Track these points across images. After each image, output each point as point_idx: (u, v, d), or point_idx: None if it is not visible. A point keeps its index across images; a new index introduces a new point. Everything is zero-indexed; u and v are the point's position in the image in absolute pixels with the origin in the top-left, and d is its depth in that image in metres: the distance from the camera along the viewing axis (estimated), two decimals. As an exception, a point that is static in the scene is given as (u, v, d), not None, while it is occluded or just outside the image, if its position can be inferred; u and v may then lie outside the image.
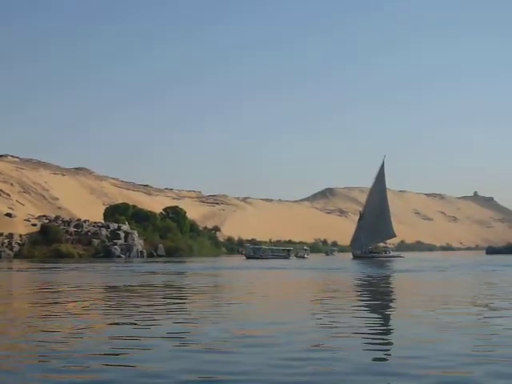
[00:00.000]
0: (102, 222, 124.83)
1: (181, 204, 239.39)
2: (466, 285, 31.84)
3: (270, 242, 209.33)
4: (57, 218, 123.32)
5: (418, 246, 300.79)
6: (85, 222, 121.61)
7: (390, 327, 15.24)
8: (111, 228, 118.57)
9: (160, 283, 33.13)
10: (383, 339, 12.82)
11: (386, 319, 16.70)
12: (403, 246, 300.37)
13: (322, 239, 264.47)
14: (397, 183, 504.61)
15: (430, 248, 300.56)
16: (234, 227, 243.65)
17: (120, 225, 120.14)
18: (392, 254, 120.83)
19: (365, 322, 15.11)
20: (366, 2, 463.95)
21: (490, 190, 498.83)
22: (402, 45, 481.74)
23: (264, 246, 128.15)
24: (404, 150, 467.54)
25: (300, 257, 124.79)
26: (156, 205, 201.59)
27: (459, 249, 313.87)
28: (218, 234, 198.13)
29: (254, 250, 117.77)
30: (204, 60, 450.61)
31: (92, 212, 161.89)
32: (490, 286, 28.75)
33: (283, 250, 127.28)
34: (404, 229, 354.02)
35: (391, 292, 28.16)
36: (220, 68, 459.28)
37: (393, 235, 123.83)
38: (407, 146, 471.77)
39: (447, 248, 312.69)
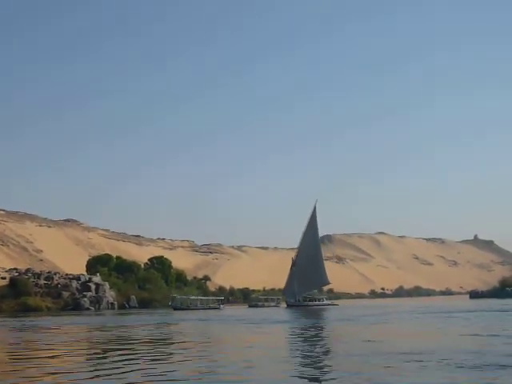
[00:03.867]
0: (73, 274, 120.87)
1: (173, 254, 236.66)
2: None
3: (264, 290, 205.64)
4: (27, 270, 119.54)
5: (417, 292, 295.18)
6: (55, 274, 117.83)
7: None
8: (82, 280, 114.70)
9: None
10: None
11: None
12: (402, 292, 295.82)
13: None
14: (396, 229, 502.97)
15: (429, 293, 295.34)
16: (227, 276, 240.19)
17: (91, 276, 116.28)
18: (326, 302, 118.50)
19: None
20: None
21: (490, 234, 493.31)
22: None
23: (192, 297, 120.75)
24: (403, 195, 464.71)
25: (253, 306, 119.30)
26: (146, 255, 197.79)
27: (459, 293, 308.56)
28: (209, 283, 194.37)
29: (181, 301, 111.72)
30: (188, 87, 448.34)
31: (76, 264, 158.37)
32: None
33: (213, 300, 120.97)
34: (403, 274, 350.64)
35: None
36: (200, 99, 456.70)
37: (326, 282, 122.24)
38: (405, 191, 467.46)
39: (447, 293, 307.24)
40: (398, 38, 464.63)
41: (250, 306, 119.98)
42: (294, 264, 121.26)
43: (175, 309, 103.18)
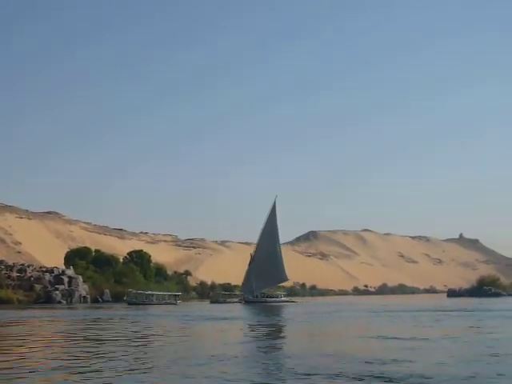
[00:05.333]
0: (47, 266, 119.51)
1: (155, 248, 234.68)
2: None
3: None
4: (0, 262, 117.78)
5: (401, 289, 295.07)
6: (28, 266, 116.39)
7: None
8: (55, 273, 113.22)
9: None
10: None
11: None
12: (385, 289, 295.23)
13: (301, 283, 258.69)
14: (382, 226, 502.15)
15: (413, 291, 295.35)
16: (210, 271, 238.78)
17: (64, 269, 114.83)
18: (283, 298, 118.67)
19: None
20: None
21: (476, 232, 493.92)
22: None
23: (148, 292, 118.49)
24: (389, 192, 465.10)
25: (214, 302, 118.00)
26: (128, 249, 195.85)
27: (443, 291, 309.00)
28: (190, 278, 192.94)
29: (136, 296, 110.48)
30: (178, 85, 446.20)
31: (54, 257, 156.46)
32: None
33: (170, 295, 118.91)
34: (387, 272, 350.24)
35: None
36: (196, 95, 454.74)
37: (285, 279, 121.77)
38: (391, 189, 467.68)
39: (431, 291, 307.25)
40: (398, 36, 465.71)
41: (211, 302, 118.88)
42: (252, 260, 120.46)
43: (130, 304, 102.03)
